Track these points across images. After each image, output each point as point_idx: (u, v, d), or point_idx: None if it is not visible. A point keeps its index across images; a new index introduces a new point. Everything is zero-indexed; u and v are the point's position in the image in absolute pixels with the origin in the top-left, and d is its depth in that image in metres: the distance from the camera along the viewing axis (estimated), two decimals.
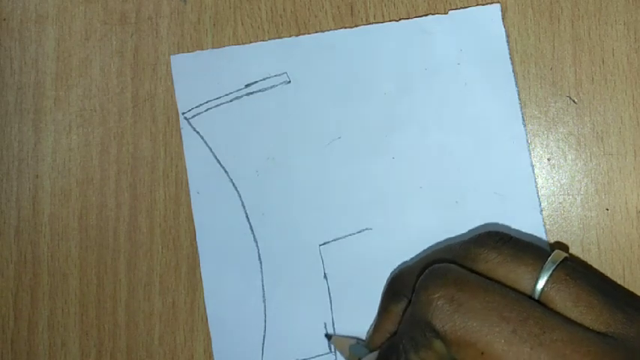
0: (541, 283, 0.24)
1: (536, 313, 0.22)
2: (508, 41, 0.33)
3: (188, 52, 0.36)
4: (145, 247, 0.36)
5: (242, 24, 0.35)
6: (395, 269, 0.32)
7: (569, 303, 0.23)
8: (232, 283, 0.34)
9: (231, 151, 0.35)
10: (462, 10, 0.33)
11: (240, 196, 0.35)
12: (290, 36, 0.35)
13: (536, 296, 0.24)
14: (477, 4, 0.33)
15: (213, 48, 0.35)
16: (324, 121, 0.34)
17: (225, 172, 0.35)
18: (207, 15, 0.36)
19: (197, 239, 0.35)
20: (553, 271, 0.24)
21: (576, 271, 0.24)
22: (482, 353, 0.22)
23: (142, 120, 0.36)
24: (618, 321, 0.23)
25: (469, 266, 0.25)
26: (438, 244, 0.32)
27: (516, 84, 0.33)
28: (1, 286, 0.37)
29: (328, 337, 0.33)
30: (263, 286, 0.34)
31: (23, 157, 0.37)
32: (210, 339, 0.34)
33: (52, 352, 0.36)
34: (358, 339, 0.32)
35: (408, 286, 0.28)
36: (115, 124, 0.36)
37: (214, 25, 0.36)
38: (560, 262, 0.24)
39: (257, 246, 0.34)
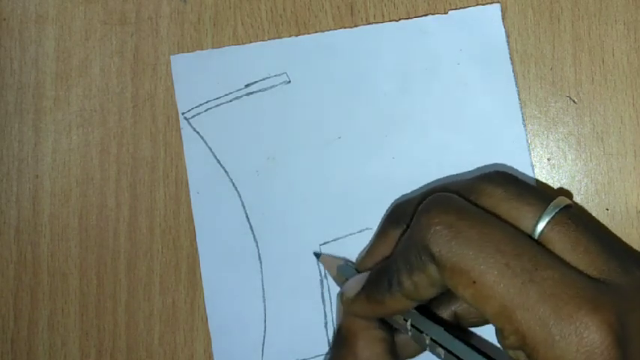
0: (542, 224, 0.24)
1: (532, 250, 0.22)
2: (508, 41, 0.33)
3: (188, 52, 0.36)
4: (145, 247, 0.36)
5: (242, 24, 0.35)
6: (398, 198, 0.33)
7: (567, 245, 0.23)
8: (232, 283, 0.34)
9: (231, 151, 0.35)
10: (462, 10, 0.33)
11: (240, 196, 0.35)
12: (290, 36, 0.35)
13: (536, 236, 0.24)
14: (477, 4, 0.33)
15: (213, 48, 0.35)
16: (324, 121, 0.34)
17: (225, 172, 0.35)
18: (207, 15, 0.36)
19: (197, 239, 0.35)
20: (555, 213, 0.24)
21: (578, 217, 0.24)
22: (473, 282, 0.22)
23: (142, 120, 0.36)
24: (613, 269, 0.23)
25: (473, 200, 0.25)
26: (445, 178, 0.32)
27: (516, 84, 0.33)
28: (1, 286, 0.36)
29: (317, 255, 0.33)
30: (263, 286, 0.34)
31: (23, 157, 0.37)
32: (210, 339, 0.34)
33: (52, 352, 0.36)
34: (347, 260, 0.32)
35: (409, 214, 0.27)
36: (115, 124, 0.36)
37: (214, 25, 0.36)
38: (564, 207, 0.24)
39: (257, 246, 0.34)
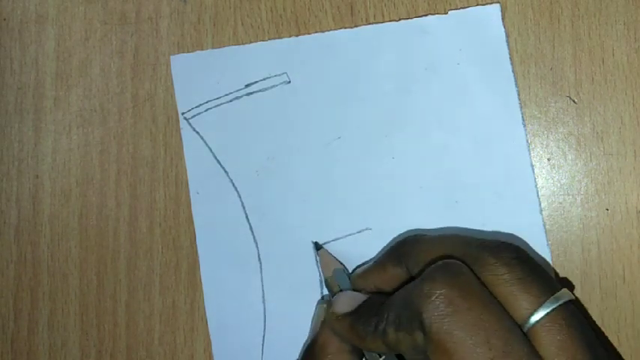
0: (535, 317, 0.23)
1: (522, 350, 0.22)
2: (508, 41, 0.33)
3: (188, 52, 0.36)
4: (145, 247, 0.36)
5: (242, 24, 0.35)
6: (409, 233, 0.32)
7: (553, 348, 0.22)
8: (232, 284, 0.34)
9: (231, 151, 0.35)
10: (462, 10, 0.33)
11: (240, 196, 0.35)
12: (290, 36, 0.35)
13: (526, 328, 0.23)
14: (477, 4, 0.33)
15: (213, 48, 0.35)
16: (324, 121, 0.34)
17: (225, 172, 0.35)
18: (207, 15, 0.36)
19: (197, 239, 0.35)
20: (552, 309, 0.23)
21: (575, 318, 0.23)
22: None
23: (142, 120, 0.36)
24: None
25: (476, 270, 0.24)
26: (456, 229, 0.32)
27: (516, 84, 0.33)
28: (1, 286, 0.37)
29: (317, 247, 0.33)
30: (263, 286, 0.34)
31: (23, 157, 0.37)
32: (210, 339, 0.34)
33: (52, 352, 0.36)
34: (344, 266, 0.32)
35: (412, 257, 0.27)
36: (115, 124, 0.36)
37: (214, 25, 0.36)
38: (564, 302, 0.23)
39: (257, 246, 0.34)
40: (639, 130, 0.32)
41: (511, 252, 0.25)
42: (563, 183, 0.32)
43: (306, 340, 0.32)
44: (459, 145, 0.33)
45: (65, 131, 0.37)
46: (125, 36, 0.37)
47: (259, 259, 0.34)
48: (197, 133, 0.35)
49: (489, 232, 0.32)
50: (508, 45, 0.33)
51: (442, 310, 0.23)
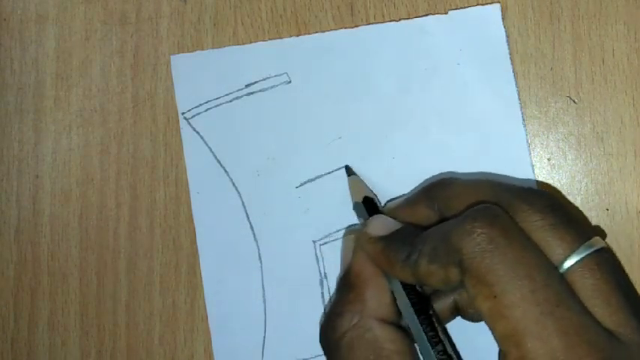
0: (568, 263, 0.23)
1: (560, 286, 0.22)
2: (508, 41, 0.33)
3: (188, 52, 0.36)
4: (145, 247, 0.36)
5: (242, 24, 0.35)
6: (444, 175, 0.32)
7: (588, 292, 0.23)
8: (232, 283, 0.34)
9: (231, 151, 0.35)
10: (462, 10, 0.33)
11: (240, 196, 0.35)
12: (290, 36, 0.35)
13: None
14: (477, 4, 0.33)
15: (213, 48, 0.35)
16: (324, 121, 0.34)
17: (225, 172, 0.35)
18: (207, 15, 0.36)
19: (197, 239, 0.35)
20: (585, 255, 0.23)
21: (608, 264, 0.24)
22: (494, 296, 0.22)
23: (142, 120, 0.36)
24: (630, 327, 0.22)
25: None
26: (486, 174, 0.32)
27: (516, 84, 0.33)
28: (1, 286, 0.36)
29: (348, 172, 0.33)
30: (263, 286, 0.34)
31: (23, 157, 0.37)
32: (210, 339, 0.34)
33: (52, 352, 0.36)
34: (375, 196, 0.32)
35: (444, 200, 0.28)
36: (115, 124, 0.36)
37: (214, 25, 0.36)
38: (597, 250, 0.24)
39: (257, 246, 0.34)
40: (639, 130, 0.32)
41: (544, 199, 0.25)
42: (563, 183, 0.32)
43: (339, 274, 0.31)
44: (459, 145, 0.33)
45: (65, 131, 0.37)
46: (125, 36, 0.37)
47: (260, 258, 0.34)
48: (197, 133, 0.35)
49: (520, 179, 0.32)
50: (508, 45, 0.33)
51: (483, 246, 0.23)
